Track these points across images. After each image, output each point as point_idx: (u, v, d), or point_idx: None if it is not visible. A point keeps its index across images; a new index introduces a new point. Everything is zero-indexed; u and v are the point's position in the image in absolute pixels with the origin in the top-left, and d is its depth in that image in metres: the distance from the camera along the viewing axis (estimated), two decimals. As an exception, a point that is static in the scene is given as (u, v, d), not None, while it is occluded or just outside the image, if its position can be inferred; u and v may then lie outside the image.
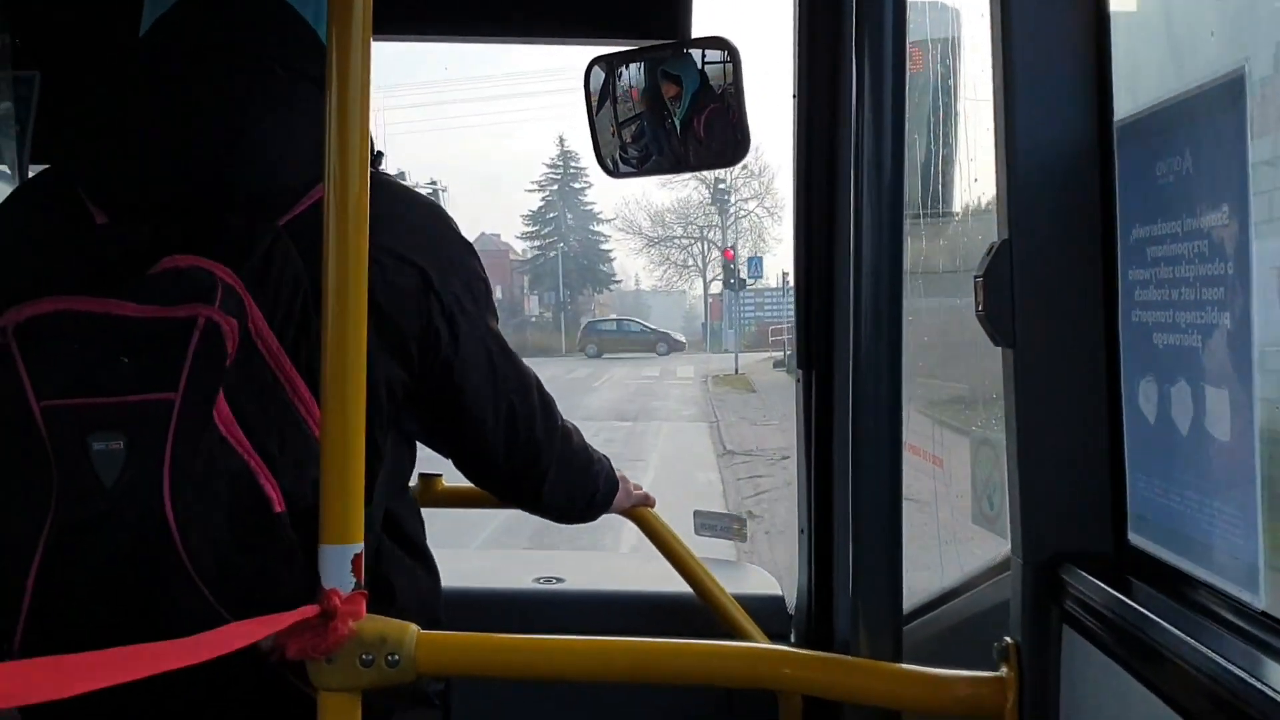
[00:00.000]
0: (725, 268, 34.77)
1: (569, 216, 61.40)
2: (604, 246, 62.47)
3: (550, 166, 63.05)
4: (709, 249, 54.00)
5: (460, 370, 1.24)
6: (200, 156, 1.12)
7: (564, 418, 1.40)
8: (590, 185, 63.40)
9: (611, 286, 65.15)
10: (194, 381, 1.01)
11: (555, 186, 62.02)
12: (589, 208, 62.83)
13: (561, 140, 62.28)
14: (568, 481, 1.42)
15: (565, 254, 59.05)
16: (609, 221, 61.51)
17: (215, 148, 1.12)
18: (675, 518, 1.87)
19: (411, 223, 1.22)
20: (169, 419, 1.00)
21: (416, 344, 1.19)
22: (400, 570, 1.24)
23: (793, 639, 1.91)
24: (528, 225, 62.18)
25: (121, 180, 1.14)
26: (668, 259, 58.99)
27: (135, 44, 1.19)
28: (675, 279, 60.89)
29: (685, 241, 56.08)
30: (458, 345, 1.22)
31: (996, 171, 1.11)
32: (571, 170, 62.49)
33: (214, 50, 1.15)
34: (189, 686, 0.92)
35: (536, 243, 61.46)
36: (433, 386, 1.23)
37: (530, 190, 63.61)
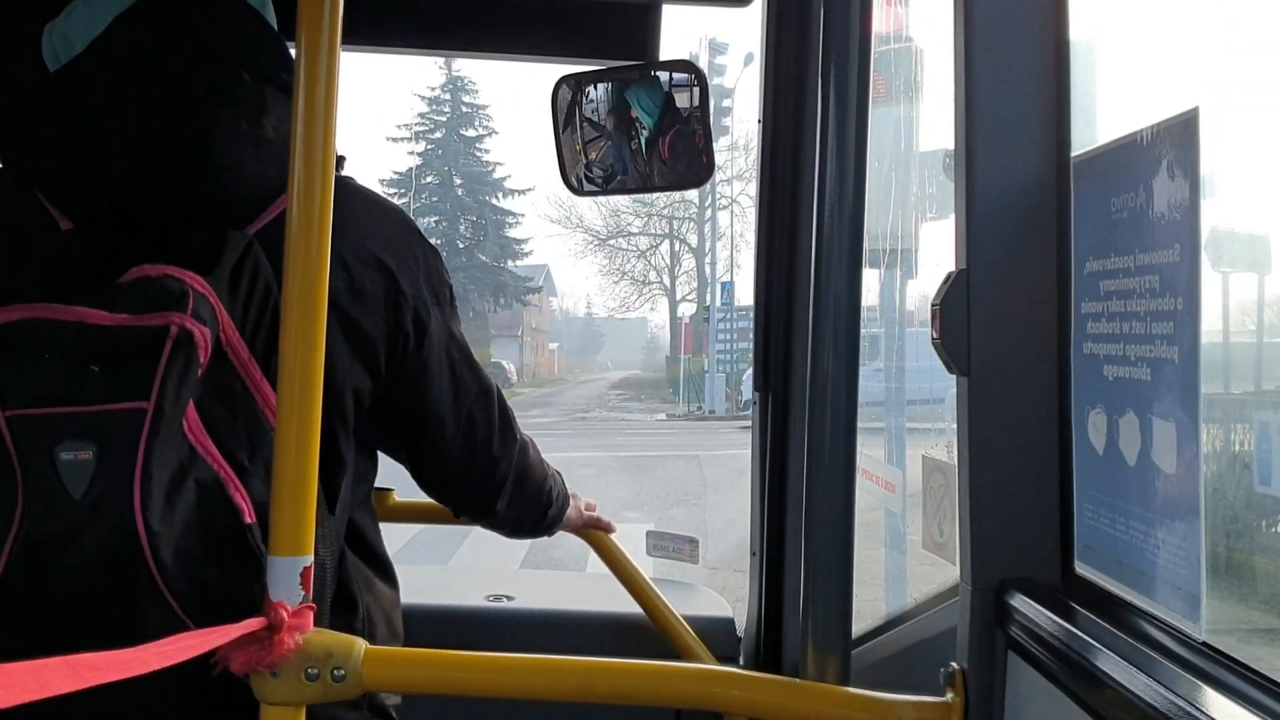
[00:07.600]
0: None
1: (458, 183, 40.37)
2: (513, 233, 41.37)
3: (429, 102, 40.83)
4: (680, 249, 37.64)
5: (421, 374, 1.23)
6: (163, 163, 1.09)
7: (522, 431, 1.40)
8: (491, 133, 41.34)
9: (527, 299, 42.70)
10: (166, 390, 0.98)
11: (439, 135, 40.59)
12: (490, 170, 40.92)
13: (448, 60, 36.07)
14: (523, 497, 1.41)
15: (453, 242, 38.80)
16: (523, 194, 41.91)
17: (178, 154, 1.09)
18: (627, 537, 1.87)
19: (377, 226, 1.21)
20: (140, 429, 0.97)
21: (384, 348, 1.18)
22: (363, 582, 1.23)
23: (741, 661, 1.91)
24: (391, 194, 34.90)
25: (81, 187, 1.10)
26: (620, 269, 40.36)
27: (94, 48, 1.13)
28: (633, 298, 41.48)
29: (647, 240, 37.96)
30: (421, 348, 1.21)
31: (955, 202, 1.12)
32: (463, 110, 40.63)
33: (175, 54, 1.12)
34: (137, 694, 0.89)
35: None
36: (395, 390, 1.21)
37: (396, 139, 41.21)
